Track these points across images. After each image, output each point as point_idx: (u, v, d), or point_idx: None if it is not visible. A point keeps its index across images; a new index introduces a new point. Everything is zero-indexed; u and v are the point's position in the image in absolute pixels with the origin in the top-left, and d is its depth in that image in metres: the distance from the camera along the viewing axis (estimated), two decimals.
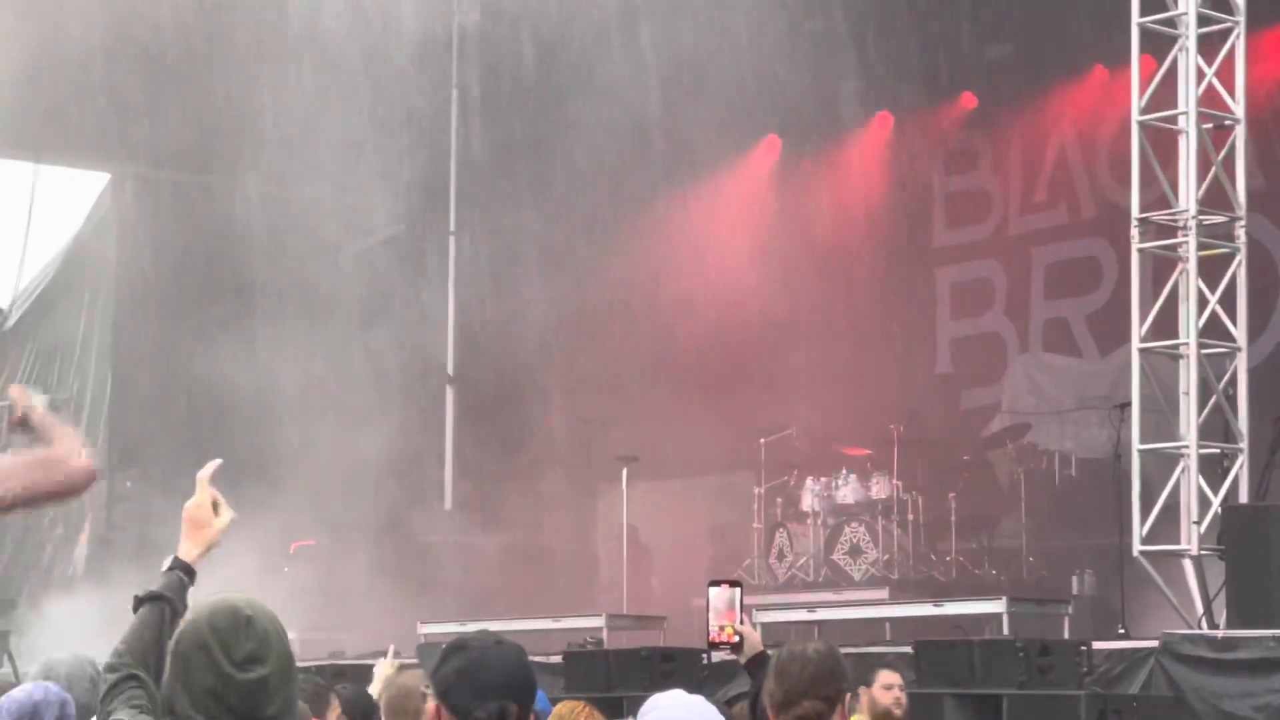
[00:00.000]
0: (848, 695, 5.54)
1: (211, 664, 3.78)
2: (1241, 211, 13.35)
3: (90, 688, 6.68)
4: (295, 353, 21.10)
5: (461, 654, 4.27)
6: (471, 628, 15.17)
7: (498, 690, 4.20)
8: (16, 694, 6.12)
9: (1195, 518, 12.87)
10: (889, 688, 9.86)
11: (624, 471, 18.57)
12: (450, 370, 24.08)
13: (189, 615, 3.95)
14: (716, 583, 6.89)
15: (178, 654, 3.85)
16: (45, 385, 21.83)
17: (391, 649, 10.33)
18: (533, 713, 4.35)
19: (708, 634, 6.85)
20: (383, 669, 9.87)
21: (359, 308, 22.12)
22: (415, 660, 12.79)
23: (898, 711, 9.86)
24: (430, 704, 4.35)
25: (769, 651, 6.63)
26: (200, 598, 4.01)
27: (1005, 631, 13.75)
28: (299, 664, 4.04)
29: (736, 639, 6.77)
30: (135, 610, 6.26)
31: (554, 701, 8.14)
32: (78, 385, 21.89)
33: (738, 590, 6.85)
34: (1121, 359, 14.14)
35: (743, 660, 6.81)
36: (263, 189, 22.27)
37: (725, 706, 6.35)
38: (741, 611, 6.83)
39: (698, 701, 5.39)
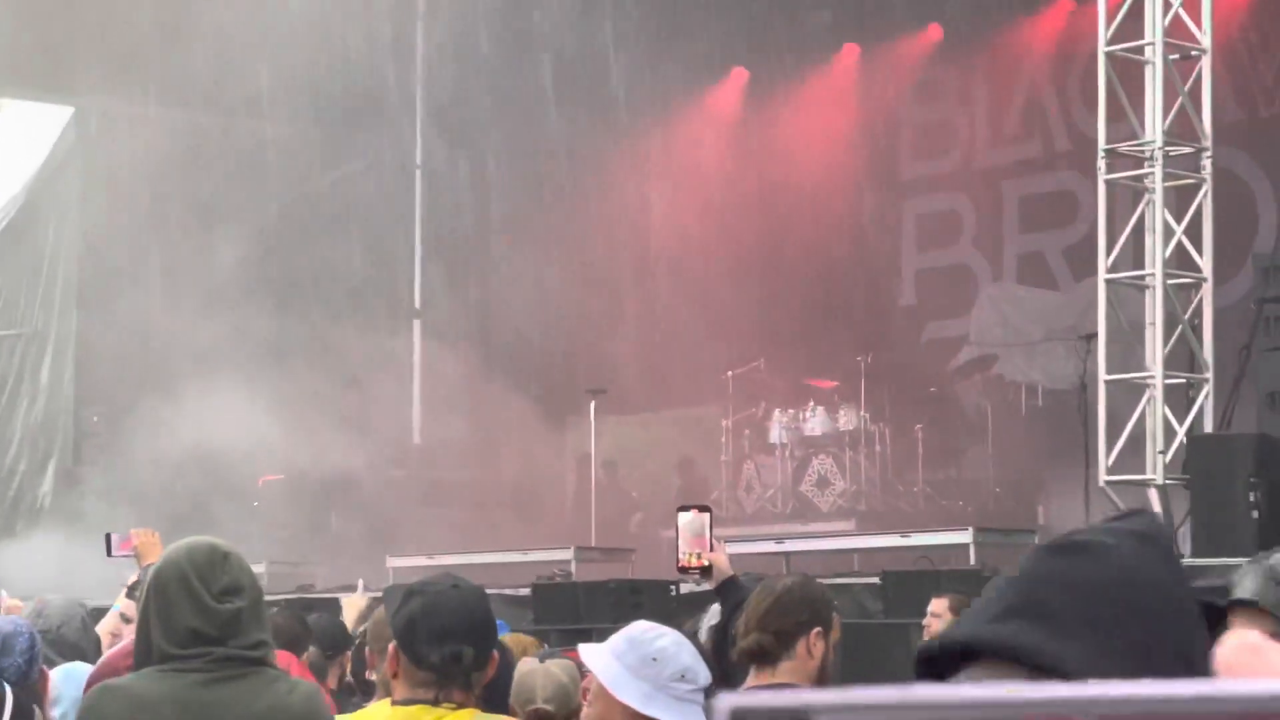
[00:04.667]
0: (813, 631, 5.32)
1: (192, 596, 3.95)
2: (1208, 142, 13.34)
3: (81, 628, 6.77)
4: (261, 284, 21.01)
5: (417, 598, 4.26)
6: (440, 561, 15.20)
7: (453, 634, 4.19)
8: None
9: (1160, 447, 12.91)
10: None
11: (592, 404, 18.56)
12: (417, 303, 24.01)
13: (165, 555, 4.18)
14: (686, 508, 6.84)
15: (159, 589, 4.04)
16: (10, 320, 21.70)
17: (360, 583, 10.33)
18: (494, 652, 4.34)
19: (677, 559, 6.81)
20: (352, 602, 9.87)
21: (327, 240, 22.00)
22: (382, 596, 12.75)
23: None
24: (391, 645, 4.37)
25: (741, 577, 6.62)
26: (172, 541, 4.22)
27: (972, 562, 13.80)
28: (268, 597, 4.13)
29: (705, 564, 6.73)
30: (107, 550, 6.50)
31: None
32: (43, 320, 21.75)
33: (707, 516, 6.80)
34: (1090, 291, 14.14)
35: (712, 586, 6.77)
36: (229, 121, 22.11)
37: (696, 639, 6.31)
38: (711, 538, 6.78)
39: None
